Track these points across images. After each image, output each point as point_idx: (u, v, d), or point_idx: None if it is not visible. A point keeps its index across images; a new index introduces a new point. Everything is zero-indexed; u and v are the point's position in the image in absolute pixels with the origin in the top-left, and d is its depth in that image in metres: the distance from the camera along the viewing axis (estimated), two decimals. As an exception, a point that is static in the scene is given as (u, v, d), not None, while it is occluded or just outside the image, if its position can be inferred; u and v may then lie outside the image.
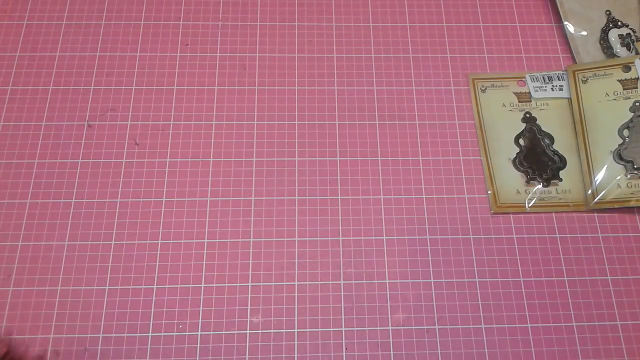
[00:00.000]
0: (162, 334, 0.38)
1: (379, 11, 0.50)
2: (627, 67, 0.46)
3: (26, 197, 0.42)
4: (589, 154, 0.44)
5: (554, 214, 0.43)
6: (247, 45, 0.48)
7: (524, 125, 0.46)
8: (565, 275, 0.41)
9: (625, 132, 0.44)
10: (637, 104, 0.45)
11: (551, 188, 0.43)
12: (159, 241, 0.41)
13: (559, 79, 0.47)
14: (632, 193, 0.42)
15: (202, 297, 0.39)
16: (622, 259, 0.41)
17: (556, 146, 0.45)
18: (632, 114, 0.44)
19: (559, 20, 0.49)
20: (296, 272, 0.40)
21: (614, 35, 0.48)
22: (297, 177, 0.43)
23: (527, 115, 0.46)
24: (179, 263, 0.40)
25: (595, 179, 0.43)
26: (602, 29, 0.49)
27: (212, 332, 0.38)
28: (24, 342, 0.38)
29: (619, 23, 0.49)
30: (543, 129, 0.45)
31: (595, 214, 0.43)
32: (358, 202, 0.43)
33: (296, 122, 0.45)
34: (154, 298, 0.39)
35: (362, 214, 0.42)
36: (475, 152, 0.45)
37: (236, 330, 0.38)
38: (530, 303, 0.40)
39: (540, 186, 0.43)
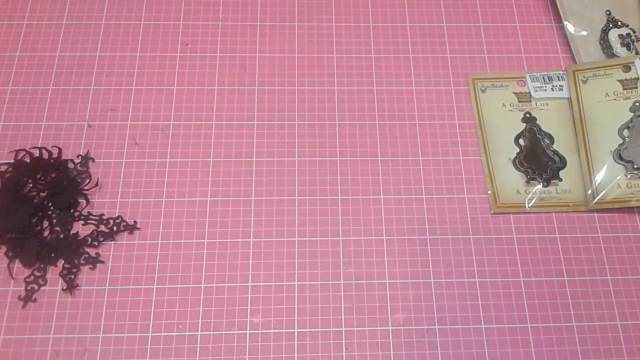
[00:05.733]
0: (162, 334, 0.38)
1: (379, 11, 0.50)
2: (627, 67, 0.46)
3: (26, 197, 0.42)
4: (589, 154, 0.44)
5: (554, 214, 0.43)
6: (247, 45, 0.48)
7: (524, 125, 0.46)
8: (565, 275, 0.41)
9: (625, 132, 0.44)
10: (637, 104, 0.45)
11: (551, 188, 0.43)
12: (159, 241, 0.41)
13: (559, 79, 0.47)
14: (632, 193, 0.42)
15: (202, 297, 0.39)
16: (622, 259, 0.41)
17: (556, 146, 0.45)
18: (632, 114, 0.44)
19: (559, 20, 0.49)
20: (296, 272, 0.40)
21: (614, 35, 0.48)
22: (297, 177, 0.43)
23: (527, 115, 0.46)
24: (179, 263, 0.40)
25: (595, 179, 0.43)
26: (602, 29, 0.49)
27: (212, 332, 0.38)
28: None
29: (619, 23, 0.49)
30: (543, 129, 0.45)
31: (595, 214, 0.43)
32: (358, 202, 0.43)
33: (296, 122, 0.45)
34: (154, 298, 0.39)
35: (362, 214, 0.42)
36: (475, 152, 0.45)
37: (236, 330, 0.38)
38: (530, 303, 0.40)
39: (540, 186, 0.43)
